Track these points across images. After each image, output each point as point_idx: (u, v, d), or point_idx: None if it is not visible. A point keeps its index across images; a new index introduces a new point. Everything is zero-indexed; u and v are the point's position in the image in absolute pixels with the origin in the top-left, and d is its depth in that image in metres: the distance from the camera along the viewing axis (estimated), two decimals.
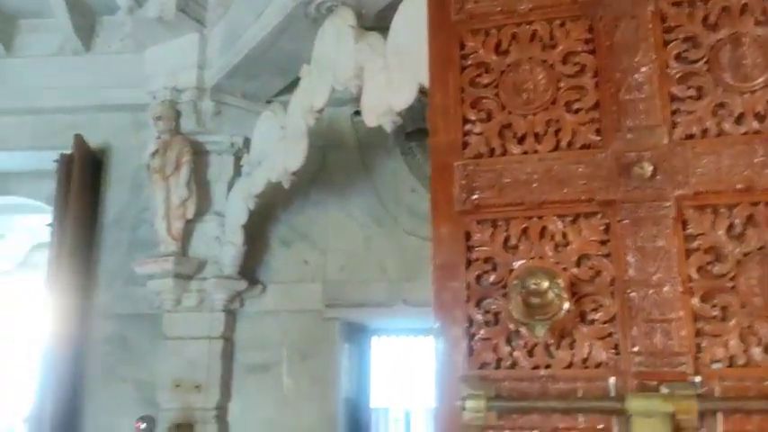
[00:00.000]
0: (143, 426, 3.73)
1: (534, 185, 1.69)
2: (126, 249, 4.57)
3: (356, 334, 4.80)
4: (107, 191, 4.71)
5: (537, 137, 1.74)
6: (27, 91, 4.79)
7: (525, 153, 1.74)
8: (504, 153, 1.75)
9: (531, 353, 1.63)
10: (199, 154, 4.50)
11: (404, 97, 2.96)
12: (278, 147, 3.97)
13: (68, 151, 4.49)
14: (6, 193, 5.26)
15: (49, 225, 4.50)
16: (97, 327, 4.50)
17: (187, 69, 4.43)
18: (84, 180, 4.50)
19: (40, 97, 4.76)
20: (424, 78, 2.80)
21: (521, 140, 1.75)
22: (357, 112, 4.60)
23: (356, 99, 3.37)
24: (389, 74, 3.02)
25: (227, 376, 4.38)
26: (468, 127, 1.79)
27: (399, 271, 4.54)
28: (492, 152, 1.76)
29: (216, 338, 4.37)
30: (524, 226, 1.70)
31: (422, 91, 2.87)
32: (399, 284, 4.50)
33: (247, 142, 4.52)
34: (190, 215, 4.40)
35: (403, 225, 4.59)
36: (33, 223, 6.63)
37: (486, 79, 1.82)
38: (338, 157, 4.72)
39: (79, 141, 4.50)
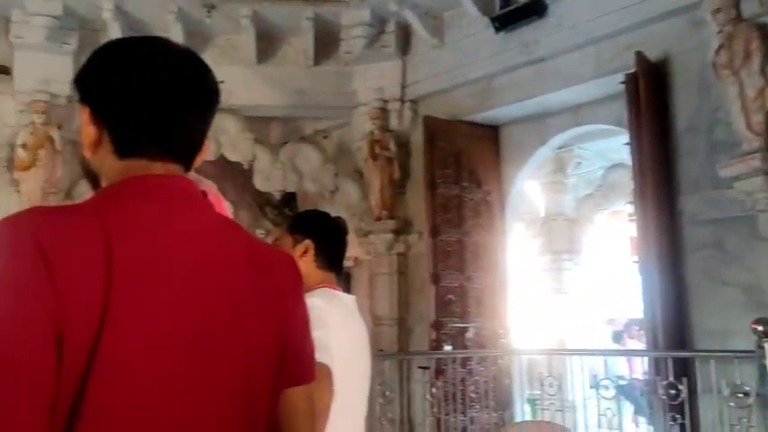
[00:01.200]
0: (760, 328, 3.58)
1: None
2: (705, 154, 4.45)
3: None
4: (674, 100, 4.64)
5: None
6: (584, 25, 5.06)
7: None
8: None
9: None
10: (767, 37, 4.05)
11: None
12: None
13: (631, 70, 4.63)
14: (579, 123, 5.76)
15: (627, 144, 4.76)
16: (688, 233, 4.53)
17: None
18: (650, 94, 4.57)
19: (596, 27, 4.98)
20: None
21: None
22: None
23: None
24: None
25: None
26: None
27: None
28: None
29: None
30: None
31: None
32: None
33: None
34: None
35: None
36: (603, 147, 7.17)
37: None
38: None
39: (640, 58, 4.58)
